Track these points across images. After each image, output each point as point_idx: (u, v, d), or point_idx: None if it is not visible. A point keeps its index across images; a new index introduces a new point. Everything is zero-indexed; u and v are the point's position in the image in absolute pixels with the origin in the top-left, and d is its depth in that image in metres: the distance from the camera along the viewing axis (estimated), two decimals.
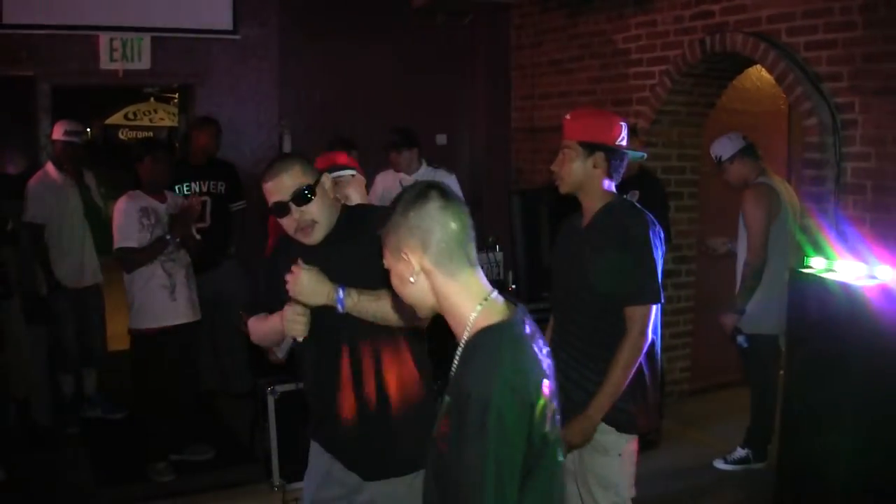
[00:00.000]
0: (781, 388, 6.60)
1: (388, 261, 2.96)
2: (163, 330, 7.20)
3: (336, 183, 5.37)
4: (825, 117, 6.87)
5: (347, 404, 4.23)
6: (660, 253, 4.55)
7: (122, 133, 23.56)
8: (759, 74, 8.81)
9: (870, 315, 5.43)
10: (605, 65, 9.29)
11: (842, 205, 6.80)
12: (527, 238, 7.91)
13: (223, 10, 10.20)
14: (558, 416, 2.90)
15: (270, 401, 6.81)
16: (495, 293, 2.93)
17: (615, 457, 4.67)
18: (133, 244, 7.00)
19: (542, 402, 2.75)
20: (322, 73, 10.66)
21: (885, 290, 5.42)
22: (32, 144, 9.81)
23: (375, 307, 4.03)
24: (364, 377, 4.20)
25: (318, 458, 4.45)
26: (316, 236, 4.16)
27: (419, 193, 2.91)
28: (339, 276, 4.01)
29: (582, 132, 4.67)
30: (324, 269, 4.00)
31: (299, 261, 3.98)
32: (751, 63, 7.94)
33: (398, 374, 4.24)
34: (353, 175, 5.46)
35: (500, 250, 8.47)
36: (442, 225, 2.87)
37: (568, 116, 4.77)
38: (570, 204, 4.96)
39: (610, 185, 4.70)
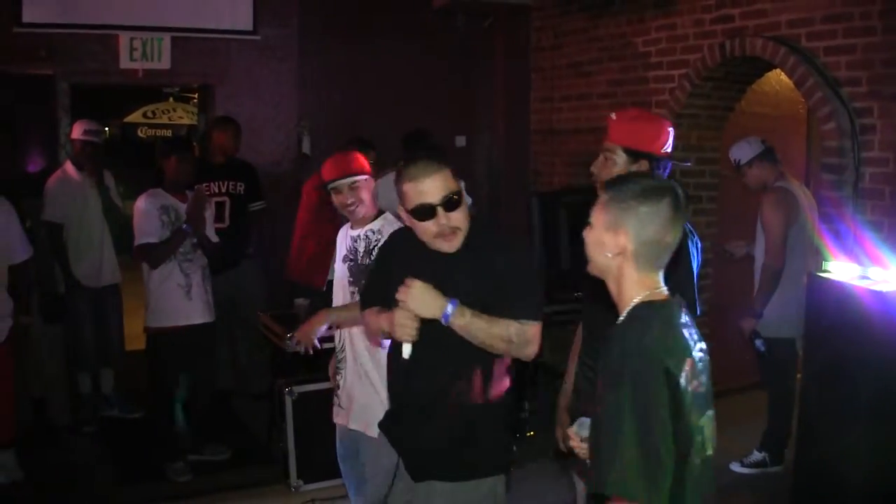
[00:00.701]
0: (798, 391, 6.59)
1: (598, 223, 3.23)
2: (177, 329, 7.21)
3: (352, 188, 5.41)
4: (844, 122, 6.86)
5: (430, 408, 4.15)
6: (696, 263, 4.43)
7: (141, 131, 23.62)
8: (778, 79, 8.79)
9: (888, 319, 5.43)
10: (624, 68, 9.28)
11: (860, 209, 6.79)
12: (545, 240, 7.90)
13: (243, 10, 10.23)
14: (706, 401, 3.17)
15: (288, 401, 6.84)
16: (664, 288, 3.24)
17: None
18: (154, 240, 7.03)
19: (683, 374, 3.01)
20: (341, 73, 10.68)
21: None
22: (52, 143, 9.85)
23: (485, 334, 3.95)
24: (454, 388, 4.10)
25: (386, 454, 4.39)
26: (456, 243, 4.06)
27: (661, 190, 3.17)
28: (453, 287, 3.95)
29: (628, 137, 4.53)
30: (440, 277, 3.95)
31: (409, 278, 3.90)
32: (770, 67, 7.92)
33: (488, 391, 4.13)
34: (365, 179, 5.47)
35: None
36: (662, 230, 3.14)
37: (614, 116, 4.63)
38: (591, 208, 4.92)
39: None
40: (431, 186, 3.97)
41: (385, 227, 5.38)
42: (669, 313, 3.18)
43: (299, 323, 6.22)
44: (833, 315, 5.84)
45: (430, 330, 3.94)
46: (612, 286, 3.27)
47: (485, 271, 4.04)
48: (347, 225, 5.59)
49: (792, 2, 7.28)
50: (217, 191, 8.67)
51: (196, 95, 14.06)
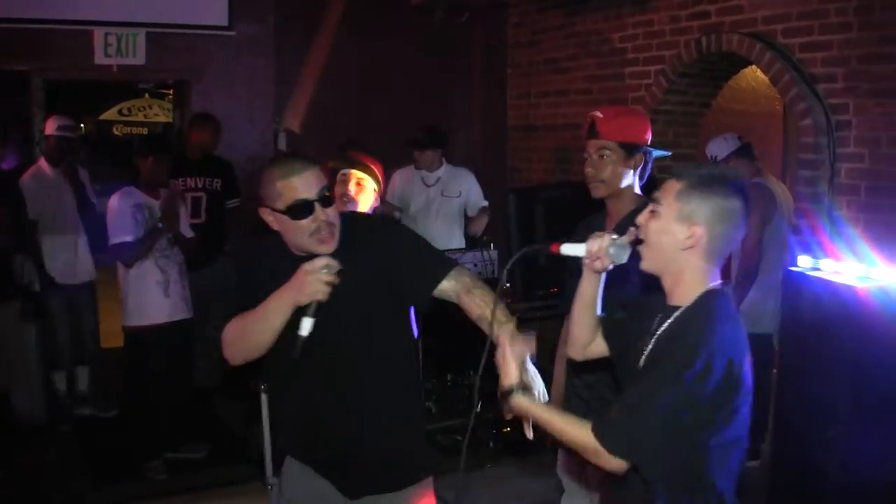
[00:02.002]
0: (775, 386, 6.61)
1: (668, 213, 3.17)
2: (156, 327, 7.19)
3: (359, 183, 5.42)
4: (820, 118, 6.88)
5: (341, 424, 3.98)
6: None
7: (117, 129, 23.54)
8: (754, 75, 8.82)
9: (864, 315, 5.45)
10: (601, 64, 9.29)
11: (836, 205, 6.82)
12: (522, 237, 7.90)
13: (219, 6, 10.19)
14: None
15: (264, 399, 6.81)
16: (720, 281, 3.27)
17: None
18: (128, 238, 7.01)
19: (743, 371, 3.10)
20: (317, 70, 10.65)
21: (878, 290, 5.43)
22: (27, 140, 9.80)
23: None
24: (359, 395, 3.95)
25: (304, 479, 4.19)
26: (333, 244, 3.77)
27: (737, 185, 3.21)
28: (341, 292, 3.67)
29: (622, 132, 4.57)
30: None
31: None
32: (746, 63, 7.94)
33: (393, 391, 4.03)
34: (373, 186, 5.49)
35: (494, 248, 8.45)
36: (736, 227, 3.19)
37: (600, 115, 4.60)
38: (568, 204, 4.93)
39: (639, 185, 4.66)
40: (307, 182, 3.72)
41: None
42: (730, 306, 3.24)
43: None
44: (809, 311, 5.86)
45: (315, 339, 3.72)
46: (668, 280, 3.26)
47: (375, 263, 3.88)
48: None
49: None
50: (194, 186, 8.67)
51: (171, 92, 14.01)
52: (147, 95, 22.53)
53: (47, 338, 8.33)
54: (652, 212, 3.22)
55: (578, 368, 4.55)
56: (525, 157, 10.65)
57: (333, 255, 3.72)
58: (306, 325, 3.67)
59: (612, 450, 2.98)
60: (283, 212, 3.74)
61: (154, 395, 7.28)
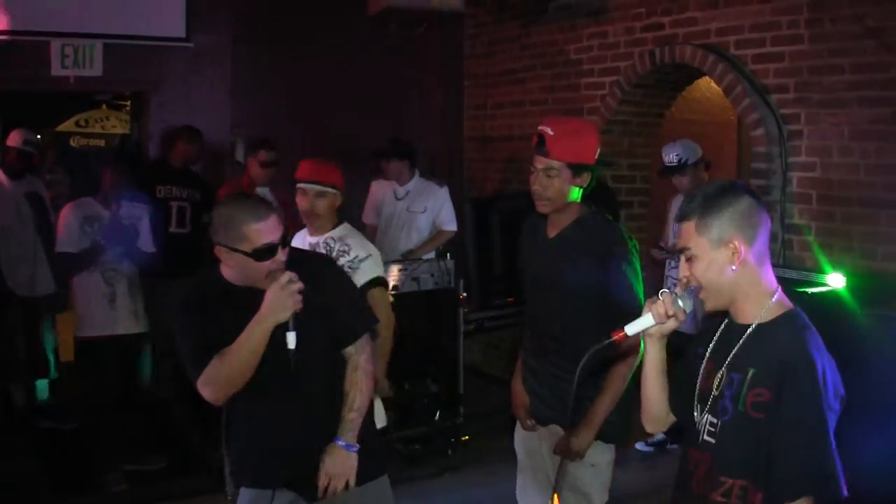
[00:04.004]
0: None
1: (700, 249, 3.14)
2: (103, 338, 7.18)
3: (319, 195, 5.47)
4: (772, 128, 6.97)
5: (302, 434, 4.14)
6: (638, 263, 4.54)
7: (74, 140, 23.31)
8: (708, 86, 8.91)
9: (817, 322, 5.51)
10: (557, 75, 9.36)
11: (788, 213, 6.91)
12: (479, 246, 7.95)
13: (176, 17, 10.16)
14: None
15: (225, 410, 6.82)
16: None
17: (588, 466, 4.64)
18: (71, 250, 7.02)
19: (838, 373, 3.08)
20: (275, 81, 10.64)
21: (829, 297, 5.51)
22: None
23: (361, 407, 4.20)
24: (310, 407, 4.14)
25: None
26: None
27: (735, 185, 3.24)
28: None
29: (571, 154, 4.53)
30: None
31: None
32: (700, 74, 8.02)
33: (334, 401, 4.19)
34: (334, 194, 5.54)
35: (450, 258, 8.49)
36: (761, 217, 3.17)
37: (550, 132, 4.52)
38: (524, 213, 4.96)
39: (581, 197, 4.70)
40: (272, 226, 3.86)
41: (347, 235, 5.44)
42: (807, 319, 3.22)
43: None
44: None
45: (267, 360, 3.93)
46: (738, 304, 3.22)
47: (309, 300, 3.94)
48: (304, 231, 5.69)
49: (721, 10, 7.39)
50: (179, 196, 8.61)
51: (129, 103, 13.93)
52: (105, 107, 22.37)
53: (5, 350, 8.28)
54: (688, 260, 3.20)
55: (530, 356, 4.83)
56: (481, 167, 10.70)
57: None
58: (291, 339, 3.86)
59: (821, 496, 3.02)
60: (247, 254, 3.85)
61: (106, 407, 7.26)
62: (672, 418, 3.53)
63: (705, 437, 3.22)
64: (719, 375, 3.21)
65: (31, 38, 9.52)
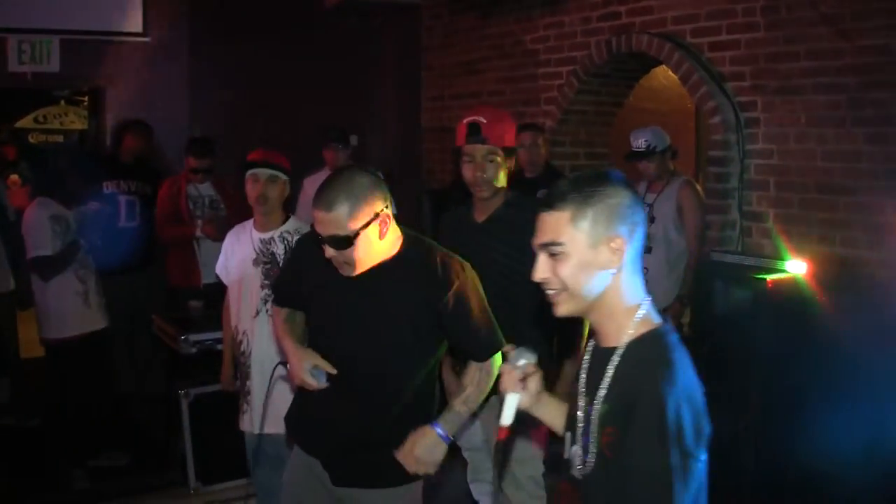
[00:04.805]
0: None
1: (575, 244, 2.64)
2: (78, 337, 7.13)
3: (270, 180, 5.44)
4: (729, 116, 7.00)
5: (353, 415, 4.04)
6: None
7: (32, 137, 23.17)
8: (665, 74, 8.93)
9: (774, 307, 5.56)
10: (514, 65, 9.37)
11: (746, 200, 6.94)
12: (435, 236, 7.95)
13: (133, 12, 10.11)
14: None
15: (184, 404, 6.81)
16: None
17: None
18: (48, 252, 6.91)
19: (702, 409, 2.60)
20: (233, 74, 10.60)
21: (788, 283, 5.55)
22: None
23: (475, 403, 4.09)
24: (374, 392, 4.02)
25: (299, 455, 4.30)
26: (351, 272, 3.87)
27: (619, 179, 2.72)
28: (372, 303, 3.94)
29: (505, 139, 4.83)
30: (360, 295, 3.93)
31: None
32: (657, 63, 8.04)
33: (406, 400, 4.06)
34: (285, 180, 5.51)
35: None
36: (642, 222, 2.71)
37: (483, 120, 4.78)
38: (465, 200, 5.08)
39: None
40: (324, 221, 3.79)
41: (302, 228, 5.37)
42: (675, 338, 2.71)
43: (193, 324, 6.30)
44: (720, 304, 5.98)
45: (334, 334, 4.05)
46: (598, 316, 2.75)
47: (394, 299, 3.94)
48: (247, 227, 5.59)
49: None
50: (127, 189, 8.59)
51: (87, 99, 13.84)
52: (63, 102, 22.26)
53: None
54: (552, 256, 2.68)
55: None
56: (438, 158, 10.69)
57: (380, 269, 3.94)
58: (322, 378, 4.02)
59: None
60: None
61: (76, 404, 7.22)
62: None
63: (575, 471, 2.80)
64: (583, 406, 2.78)
65: None
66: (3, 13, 9.49)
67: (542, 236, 2.69)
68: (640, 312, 2.68)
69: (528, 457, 4.88)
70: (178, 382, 6.97)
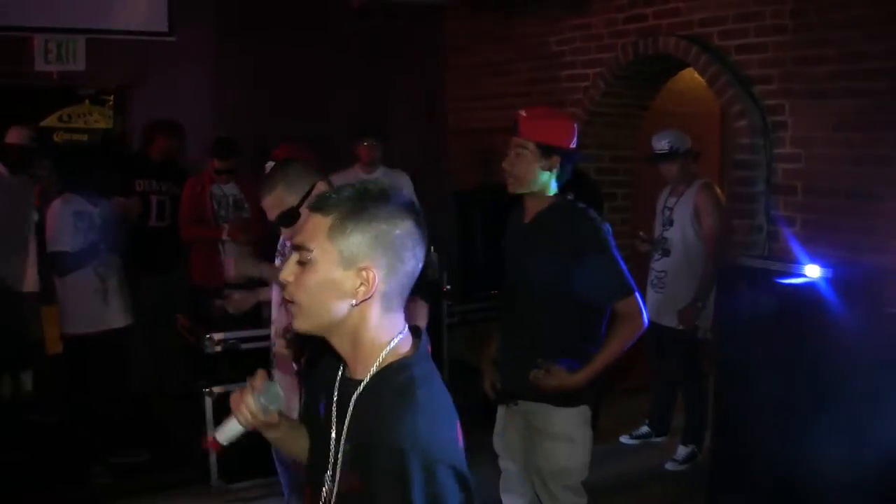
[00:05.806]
0: (713, 383, 6.69)
1: (322, 261, 2.34)
2: (95, 334, 7.13)
3: None
4: (755, 119, 6.96)
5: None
6: (614, 244, 4.65)
7: (57, 136, 23.24)
8: (691, 77, 8.88)
9: (799, 312, 5.52)
10: (538, 67, 9.34)
11: (773, 205, 6.90)
12: (461, 239, 7.94)
13: (159, 11, 10.10)
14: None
15: (208, 402, 6.80)
16: (406, 329, 2.47)
17: (566, 441, 4.76)
18: (66, 248, 6.91)
19: (459, 439, 2.39)
20: (258, 75, 10.60)
21: (814, 289, 5.51)
22: None
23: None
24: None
25: None
26: None
27: (407, 205, 2.41)
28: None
29: (540, 133, 4.66)
30: None
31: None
32: (683, 66, 8.01)
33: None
34: None
35: (434, 251, 8.47)
36: (416, 257, 2.40)
37: (524, 114, 4.72)
38: (507, 206, 5.01)
39: (555, 186, 4.74)
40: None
41: None
42: (431, 369, 2.46)
43: (217, 323, 6.30)
44: (745, 308, 5.93)
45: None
46: (340, 341, 2.43)
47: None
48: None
49: (704, 1, 7.38)
50: (158, 189, 8.59)
51: (112, 98, 13.87)
52: (87, 102, 22.34)
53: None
54: (299, 262, 2.39)
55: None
56: (463, 159, 10.67)
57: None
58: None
59: None
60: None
61: (95, 401, 7.22)
62: None
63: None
64: (334, 439, 2.46)
65: (14, 33, 9.46)
66: (29, 13, 9.50)
67: (298, 236, 2.42)
68: (391, 345, 2.39)
69: (559, 469, 4.85)
70: (202, 381, 6.97)
